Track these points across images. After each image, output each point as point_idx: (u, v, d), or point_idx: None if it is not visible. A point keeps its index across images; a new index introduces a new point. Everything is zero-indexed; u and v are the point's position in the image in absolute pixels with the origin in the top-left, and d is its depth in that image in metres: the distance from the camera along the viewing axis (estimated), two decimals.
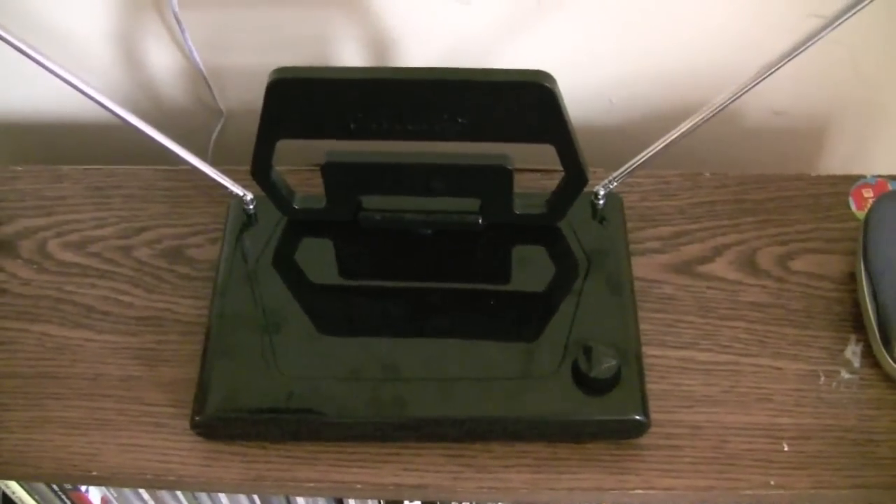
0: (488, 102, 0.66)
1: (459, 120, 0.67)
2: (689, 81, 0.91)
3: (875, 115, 0.96)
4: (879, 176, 0.85)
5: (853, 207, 0.83)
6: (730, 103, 0.70)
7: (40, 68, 0.69)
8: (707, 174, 0.86)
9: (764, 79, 0.68)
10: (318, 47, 0.90)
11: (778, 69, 0.67)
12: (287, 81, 0.65)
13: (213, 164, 0.78)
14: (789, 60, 0.67)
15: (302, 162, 0.82)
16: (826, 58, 0.88)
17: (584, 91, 0.92)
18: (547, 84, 0.64)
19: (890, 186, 0.84)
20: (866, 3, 0.62)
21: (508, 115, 0.66)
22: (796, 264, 0.80)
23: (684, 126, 0.72)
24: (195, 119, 0.98)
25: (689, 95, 0.88)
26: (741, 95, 0.69)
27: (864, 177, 0.85)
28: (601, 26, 0.87)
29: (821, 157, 0.99)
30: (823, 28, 0.64)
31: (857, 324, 0.75)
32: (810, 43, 0.65)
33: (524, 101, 0.65)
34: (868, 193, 0.83)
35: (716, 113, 0.70)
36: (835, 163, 0.99)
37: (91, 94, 0.71)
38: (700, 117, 0.71)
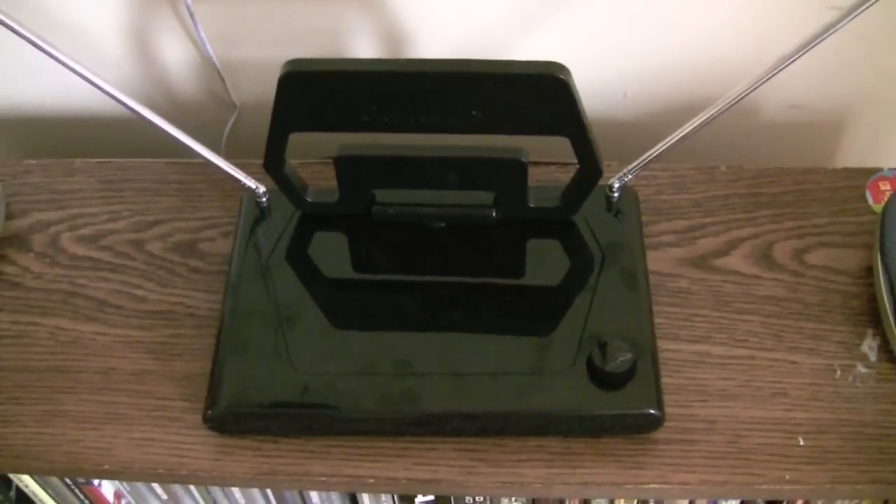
0: (502, 95, 0.65)
1: (473, 112, 0.66)
2: (703, 75, 0.90)
3: (892, 108, 0.95)
4: None
5: (870, 200, 0.82)
6: (744, 96, 0.69)
7: (54, 62, 0.70)
8: (722, 167, 0.85)
9: (779, 71, 0.67)
10: (332, 40, 0.90)
11: (793, 62, 0.67)
12: (299, 74, 0.65)
13: (227, 157, 0.78)
14: (804, 53, 0.66)
15: (315, 155, 0.82)
16: (843, 51, 0.87)
17: (598, 84, 0.92)
18: (561, 76, 0.63)
19: None
20: None
21: (523, 108, 0.66)
22: (812, 258, 0.79)
23: (699, 118, 0.71)
24: (208, 112, 0.98)
25: (704, 89, 0.88)
26: (756, 88, 0.69)
27: (880, 170, 0.84)
28: (615, 19, 0.86)
29: (838, 151, 0.99)
30: (838, 20, 0.64)
31: (874, 318, 0.75)
32: (825, 35, 0.65)
33: (538, 94, 0.65)
34: (885, 186, 0.82)
35: (731, 105, 0.70)
36: (852, 157, 0.99)
37: (104, 87, 0.71)
38: (715, 109, 0.70)
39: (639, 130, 0.95)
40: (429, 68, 0.65)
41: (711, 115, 0.71)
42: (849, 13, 0.64)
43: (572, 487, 0.68)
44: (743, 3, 0.84)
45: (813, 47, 0.66)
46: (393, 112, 0.67)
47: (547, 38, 0.88)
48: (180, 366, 0.75)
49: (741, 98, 0.69)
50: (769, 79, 0.68)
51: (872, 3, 0.63)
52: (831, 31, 0.65)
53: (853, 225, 0.81)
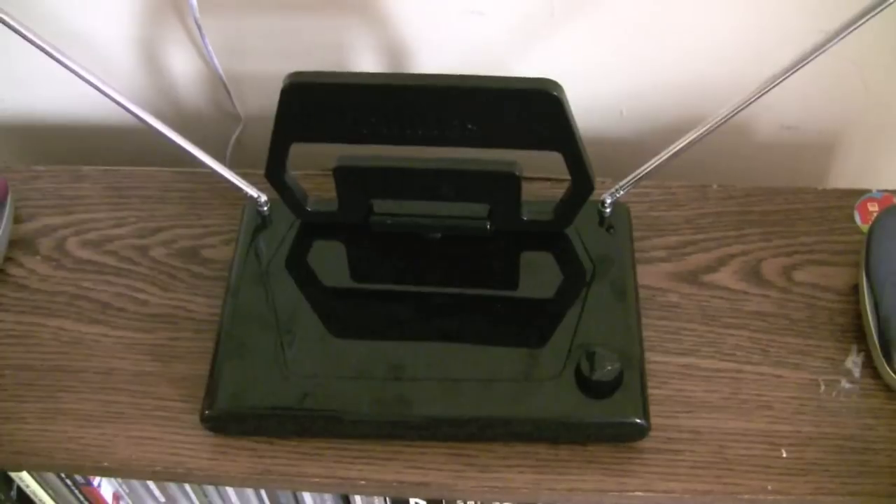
0: (497, 109, 0.67)
1: (469, 126, 0.68)
2: (700, 94, 0.92)
3: (884, 132, 0.96)
4: (885, 190, 0.85)
5: (858, 221, 0.83)
6: (733, 115, 0.70)
7: (65, 71, 0.71)
8: (714, 186, 0.87)
9: (766, 92, 0.69)
10: (336, 55, 0.92)
11: (780, 83, 0.68)
12: (301, 85, 0.67)
13: (231, 168, 0.79)
14: (791, 74, 0.67)
15: (318, 167, 0.83)
16: (836, 74, 0.89)
17: (595, 102, 0.93)
18: (554, 92, 0.65)
19: (895, 200, 0.85)
20: (867, 18, 0.63)
21: (516, 123, 0.68)
22: (800, 275, 0.80)
23: (689, 137, 0.73)
24: (214, 124, 1.00)
25: (701, 108, 0.89)
26: (745, 108, 0.70)
27: (869, 191, 0.85)
28: (613, 38, 0.88)
29: (830, 172, 1.00)
30: (823, 43, 0.65)
31: (859, 334, 0.76)
32: (812, 57, 0.66)
33: (532, 109, 0.67)
34: (873, 207, 0.84)
35: (720, 124, 0.71)
36: (844, 178, 1.00)
37: (114, 96, 0.73)
38: (705, 128, 0.72)
39: (636, 148, 0.97)
40: (425, 82, 0.66)
41: (701, 132, 0.72)
42: (834, 36, 0.65)
43: (558, 493, 0.69)
44: (741, 22, 0.86)
45: (798, 70, 0.67)
46: (391, 124, 0.68)
47: (545, 56, 0.89)
48: (180, 367, 0.76)
49: (730, 117, 0.71)
50: (756, 100, 0.69)
51: (855, 28, 0.64)
52: (816, 54, 0.66)
53: (841, 244, 0.82)
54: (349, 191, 0.76)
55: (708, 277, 0.81)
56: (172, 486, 0.91)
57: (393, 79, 0.68)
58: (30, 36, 0.69)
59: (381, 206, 0.78)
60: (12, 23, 0.69)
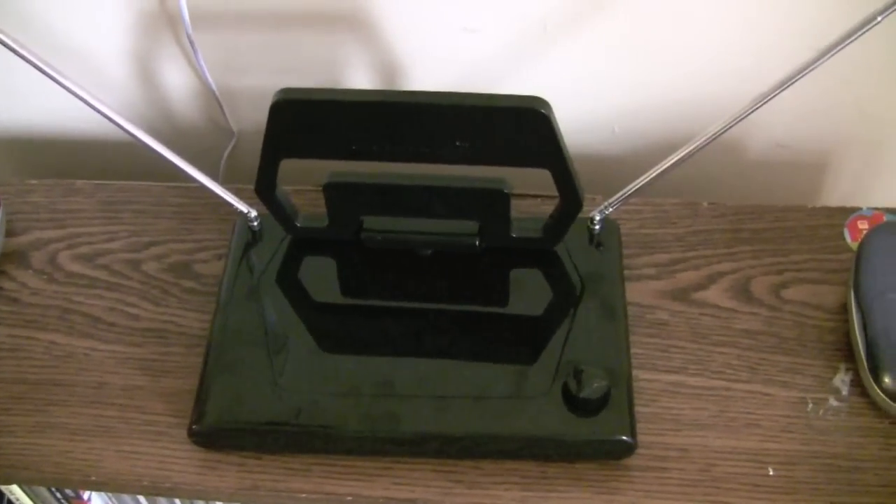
0: (486, 127, 0.67)
1: (458, 143, 0.68)
2: (692, 112, 0.92)
3: (877, 151, 0.97)
4: (875, 208, 0.86)
5: (848, 239, 0.84)
6: (722, 132, 0.71)
7: (58, 86, 0.72)
8: (705, 203, 0.87)
9: (756, 109, 0.69)
10: (329, 71, 0.92)
11: (770, 100, 0.68)
12: (291, 102, 0.67)
13: (225, 182, 0.80)
14: (781, 91, 0.68)
15: (309, 183, 0.84)
16: (829, 94, 0.89)
17: (588, 120, 0.94)
18: (542, 110, 0.65)
19: (885, 218, 0.85)
20: (855, 37, 0.64)
21: (505, 140, 0.68)
22: (790, 293, 0.80)
23: (679, 154, 0.73)
24: (207, 139, 1.00)
25: (693, 126, 0.88)
26: (734, 125, 0.70)
27: (860, 209, 0.86)
28: (606, 56, 0.88)
29: (822, 190, 1.00)
30: (814, 61, 0.66)
31: (848, 353, 0.76)
32: (802, 74, 0.67)
33: (520, 126, 0.67)
34: (863, 225, 0.84)
35: (710, 142, 0.72)
36: (835, 196, 1.00)
37: (106, 112, 0.73)
38: (695, 145, 0.72)
39: (627, 167, 0.96)
40: (415, 99, 0.67)
41: (690, 151, 0.72)
42: (823, 54, 0.66)
43: None
44: (734, 41, 0.86)
45: (788, 87, 0.67)
46: (381, 141, 0.69)
47: (538, 75, 0.90)
48: (170, 382, 0.76)
49: (719, 135, 0.71)
50: (745, 117, 0.69)
51: (844, 46, 0.65)
52: (805, 71, 0.66)
53: (831, 262, 0.82)
54: (339, 207, 0.77)
55: (697, 295, 0.81)
56: (162, 501, 0.91)
57: (382, 96, 0.69)
58: (21, 51, 0.70)
59: (371, 222, 0.78)
60: (5, 39, 0.69)
